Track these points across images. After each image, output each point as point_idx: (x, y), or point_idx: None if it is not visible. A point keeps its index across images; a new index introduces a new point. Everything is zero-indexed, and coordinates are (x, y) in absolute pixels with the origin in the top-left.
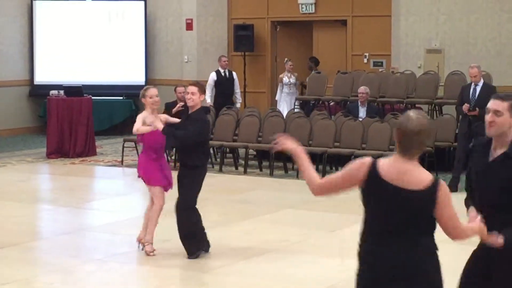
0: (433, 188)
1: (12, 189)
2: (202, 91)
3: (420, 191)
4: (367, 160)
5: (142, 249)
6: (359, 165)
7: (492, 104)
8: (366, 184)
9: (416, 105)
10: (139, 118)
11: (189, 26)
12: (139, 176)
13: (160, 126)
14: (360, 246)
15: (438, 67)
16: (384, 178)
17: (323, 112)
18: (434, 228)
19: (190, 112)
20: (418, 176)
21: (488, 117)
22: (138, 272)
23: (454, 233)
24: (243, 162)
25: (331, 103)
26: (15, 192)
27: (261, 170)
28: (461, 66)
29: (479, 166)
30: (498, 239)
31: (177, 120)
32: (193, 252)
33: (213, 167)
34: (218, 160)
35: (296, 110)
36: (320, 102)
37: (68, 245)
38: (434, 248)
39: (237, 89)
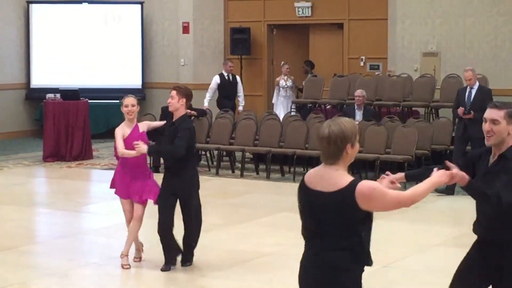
0: (349, 188)
1: (8, 193)
2: (183, 94)
3: (336, 192)
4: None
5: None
6: None
7: (489, 113)
8: (298, 193)
9: (413, 108)
10: (118, 134)
11: (185, 29)
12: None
13: (145, 149)
14: None
15: (435, 70)
16: (308, 185)
17: (320, 115)
18: (355, 239)
19: (174, 119)
20: (336, 180)
21: (485, 127)
22: (135, 275)
23: (402, 205)
24: (239, 165)
25: (328, 106)
26: (12, 195)
27: (257, 173)
28: (457, 69)
29: (478, 175)
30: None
31: (160, 123)
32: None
33: (209, 170)
34: (215, 163)
35: (292, 113)
36: (317, 105)
37: (65, 248)
38: (346, 264)
39: (240, 92)
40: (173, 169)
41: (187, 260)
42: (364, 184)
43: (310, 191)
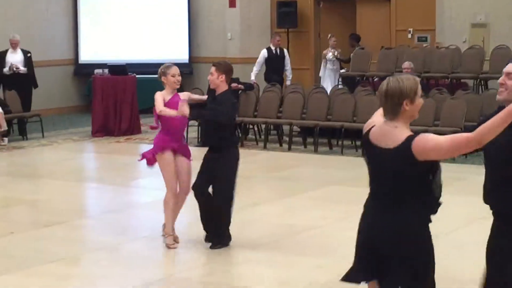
0: (406, 143)
1: (58, 168)
2: (222, 70)
3: (394, 148)
4: (366, 125)
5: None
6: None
7: (508, 67)
8: (362, 148)
9: (462, 80)
10: (159, 97)
11: (232, 3)
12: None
13: (187, 112)
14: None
15: (484, 42)
16: (372, 141)
17: (367, 88)
18: (422, 195)
19: (216, 94)
20: (396, 135)
21: (500, 79)
22: (185, 249)
23: (464, 146)
24: (287, 139)
25: (375, 79)
26: (61, 170)
27: (305, 146)
28: (506, 40)
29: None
30: None
31: (202, 97)
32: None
33: (257, 144)
34: (263, 137)
35: (340, 86)
36: (364, 78)
37: (114, 223)
38: (417, 220)
39: (288, 66)
40: (215, 148)
41: (215, 243)
42: (420, 137)
43: (374, 147)
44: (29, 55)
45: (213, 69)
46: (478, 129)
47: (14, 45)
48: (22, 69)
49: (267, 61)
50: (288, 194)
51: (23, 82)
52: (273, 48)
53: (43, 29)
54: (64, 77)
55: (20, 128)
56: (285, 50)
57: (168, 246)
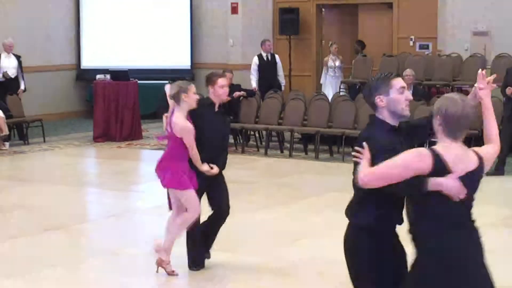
0: (481, 161)
1: (59, 173)
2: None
3: (477, 169)
4: (426, 151)
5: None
6: (420, 157)
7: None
8: (433, 175)
9: (463, 88)
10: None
11: (234, 10)
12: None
13: (216, 171)
14: (431, 241)
15: (485, 50)
16: (451, 167)
17: None
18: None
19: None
20: (471, 156)
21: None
22: (185, 254)
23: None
24: (288, 145)
25: None
26: (63, 175)
27: (306, 153)
28: (508, 48)
29: None
30: None
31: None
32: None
33: (258, 150)
34: (264, 143)
35: (341, 93)
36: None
37: (115, 228)
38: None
39: (280, 72)
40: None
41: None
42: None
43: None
44: (20, 59)
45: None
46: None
47: (9, 48)
48: (10, 74)
49: (259, 68)
50: (288, 200)
51: (16, 87)
52: (264, 54)
53: (45, 34)
54: (66, 82)
55: (20, 133)
56: (277, 56)
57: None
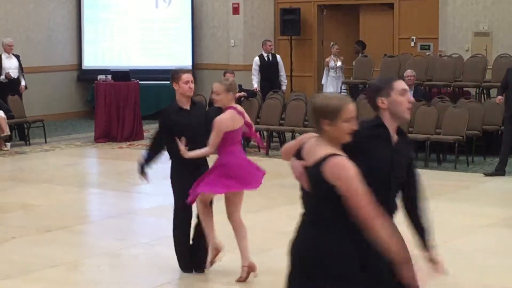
0: (320, 163)
1: (60, 173)
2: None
3: (312, 167)
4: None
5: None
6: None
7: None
8: None
9: (464, 89)
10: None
11: (235, 10)
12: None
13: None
14: None
15: (486, 50)
16: (302, 155)
17: None
18: (340, 216)
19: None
20: (316, 152)
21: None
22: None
23: (360, 217)
24: None
25: None
26: (64, 176)
27: None
28: (509, 49)
29: None
30: None
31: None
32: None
33: (259, 151)
34: (265, 144)
35: (342, 93)
36: (367, 86)
37: (115, 228)
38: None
39: (282, 72)
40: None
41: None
42: (338, 159)
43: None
44: (19, 58)
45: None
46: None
47: (9, 48)
48: (12, 75)
49: (260, 68)
50: (289, 201)
51: (18, 87)
52: (265, 54)
53: (47, 35)
54: (67, 82)
55: (21, 134)
56: (278, 56)
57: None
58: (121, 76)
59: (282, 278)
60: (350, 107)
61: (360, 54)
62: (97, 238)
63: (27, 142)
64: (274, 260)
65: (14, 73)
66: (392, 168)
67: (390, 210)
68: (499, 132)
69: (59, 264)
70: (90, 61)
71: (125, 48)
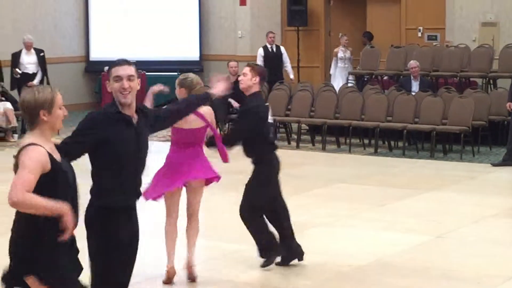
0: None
1: None
2: (257, 73)
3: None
4: (40, 148)
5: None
6: (42, 155)
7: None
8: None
9: (471, 79)
10: None
11: (242, 1)
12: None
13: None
14: None
15: (493, 40)
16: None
17: (376, 86)
18: None
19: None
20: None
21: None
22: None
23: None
24: (295, 136)
25: (385, 78)
26: None
27: (313, 144)
28: None
29: None
30: None
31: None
32: (264, 260)
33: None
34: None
35: (349, 84)
36: (373, 76)
37: None
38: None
39: (287, 63)
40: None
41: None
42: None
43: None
44: (42, 54)
45: (247, 69)
46: (28, 195)
47: (28, 46)
48: (30, 71)
49: (265, 59)
50: (295, 191)
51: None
52: (269, 46)
53: (54, 26)
54: (75, 74)
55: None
56: (282, 48)
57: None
58: None
59: (287, 268)
60: (60, 95)
61: (367, 45)
62: None
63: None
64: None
65: (31, 68)
66: (139, 150)
67: (138, 190)
68: (506, 122)
69: None
70: (97, 53)
71: (132, 39)
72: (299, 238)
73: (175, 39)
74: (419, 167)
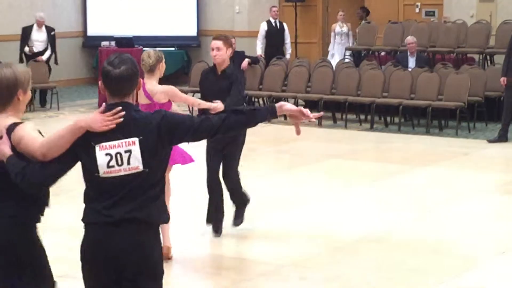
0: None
1: None
2: (229, 44)
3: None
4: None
5: None
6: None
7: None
8: None
9: (468, 55)
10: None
11: None
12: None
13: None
14: None
15: (491, 17)
16: None
17: (373, 62)
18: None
19: (222, 69)
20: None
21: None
22: (186, 228)
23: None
24: None
25: (381, 53)
26: None
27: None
28: None
29: None
30: None
31: (209, 105)
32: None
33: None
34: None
35: (346, 60)
36: (370, 52)
37: None
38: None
39: (287, 40)
40: None
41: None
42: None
43: None
44: (52, 33)
45: (220, 43)
46: (45, 141)
47: (40, 24)
48: (38, 49)
49: (267, 34)
50: (290, 167)
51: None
52: (272, 21)
53: (51, 2)
54: (72, 49)
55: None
56: (285, 24)
57: None
58: (125, 42)
59: (276, 242)
60: (30, 72)
61: (363, 20)
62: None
63: (30, 108)
64: (275, 224)
65: (40, 46)
66: None
67: None
68: (502, 98)
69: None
70: (95, 28)
71: (130, 15)
72: (291, 212)
73: (173, 15)
74: (414, 142)
